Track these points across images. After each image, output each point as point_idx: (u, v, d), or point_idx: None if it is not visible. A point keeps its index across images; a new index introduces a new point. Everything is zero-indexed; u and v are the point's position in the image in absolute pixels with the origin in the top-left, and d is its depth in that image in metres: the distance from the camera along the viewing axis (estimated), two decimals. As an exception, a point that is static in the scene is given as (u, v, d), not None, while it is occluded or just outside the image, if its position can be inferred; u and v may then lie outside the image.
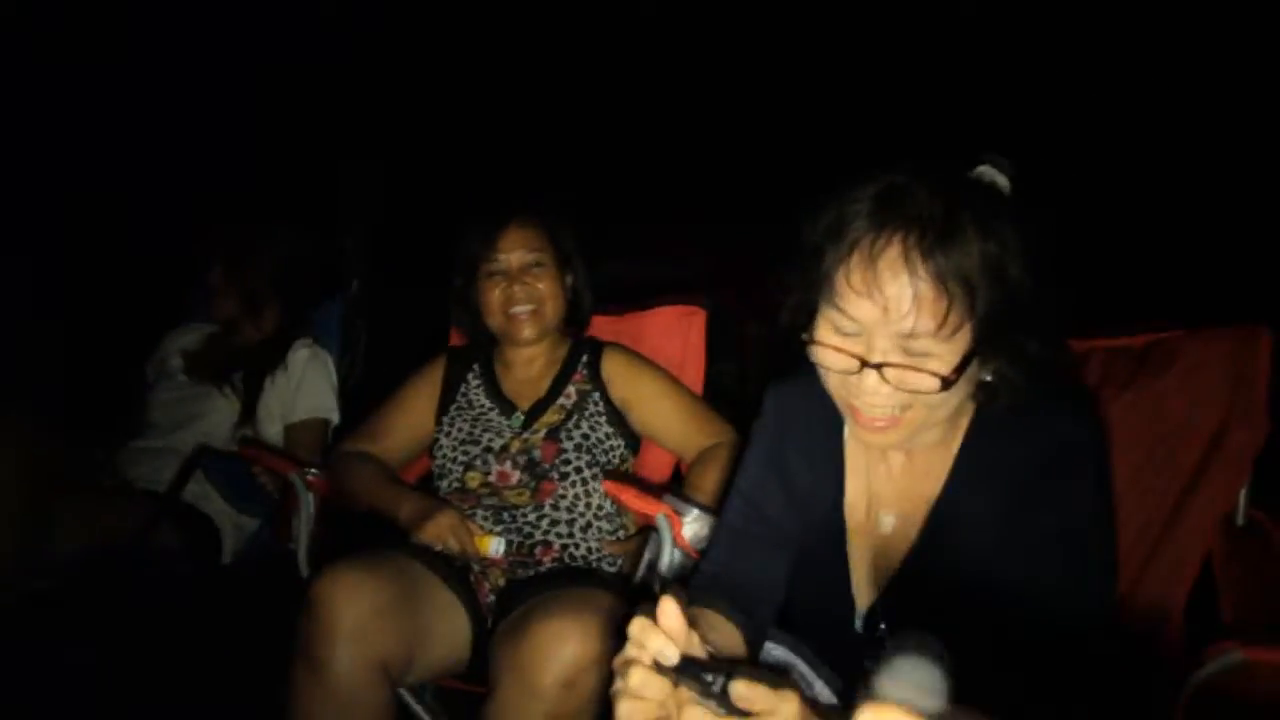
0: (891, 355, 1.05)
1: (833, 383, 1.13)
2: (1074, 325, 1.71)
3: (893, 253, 1.02)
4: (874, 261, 1.03)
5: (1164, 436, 1.62)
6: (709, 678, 0.81)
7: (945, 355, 1.04)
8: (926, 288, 1.01)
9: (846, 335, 1.08)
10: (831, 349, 1.09)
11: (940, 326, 1.02)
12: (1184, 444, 1.59)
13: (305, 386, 2.41)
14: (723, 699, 0.82)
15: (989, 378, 1.11)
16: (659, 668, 0.85)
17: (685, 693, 0.87)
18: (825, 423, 1.28)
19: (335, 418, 2.44)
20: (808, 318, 1.15)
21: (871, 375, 1.05)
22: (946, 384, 1.03)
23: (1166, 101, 3.29)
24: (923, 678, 0.47)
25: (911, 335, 1.03)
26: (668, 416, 2.00)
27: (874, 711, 0.38)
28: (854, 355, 1.06)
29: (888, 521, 1.25)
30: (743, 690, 0.82)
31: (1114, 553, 1.17)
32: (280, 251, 2.54)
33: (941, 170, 1.10)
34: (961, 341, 1.04)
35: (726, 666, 0.82)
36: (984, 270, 1.02)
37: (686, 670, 0.83)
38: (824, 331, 1.11)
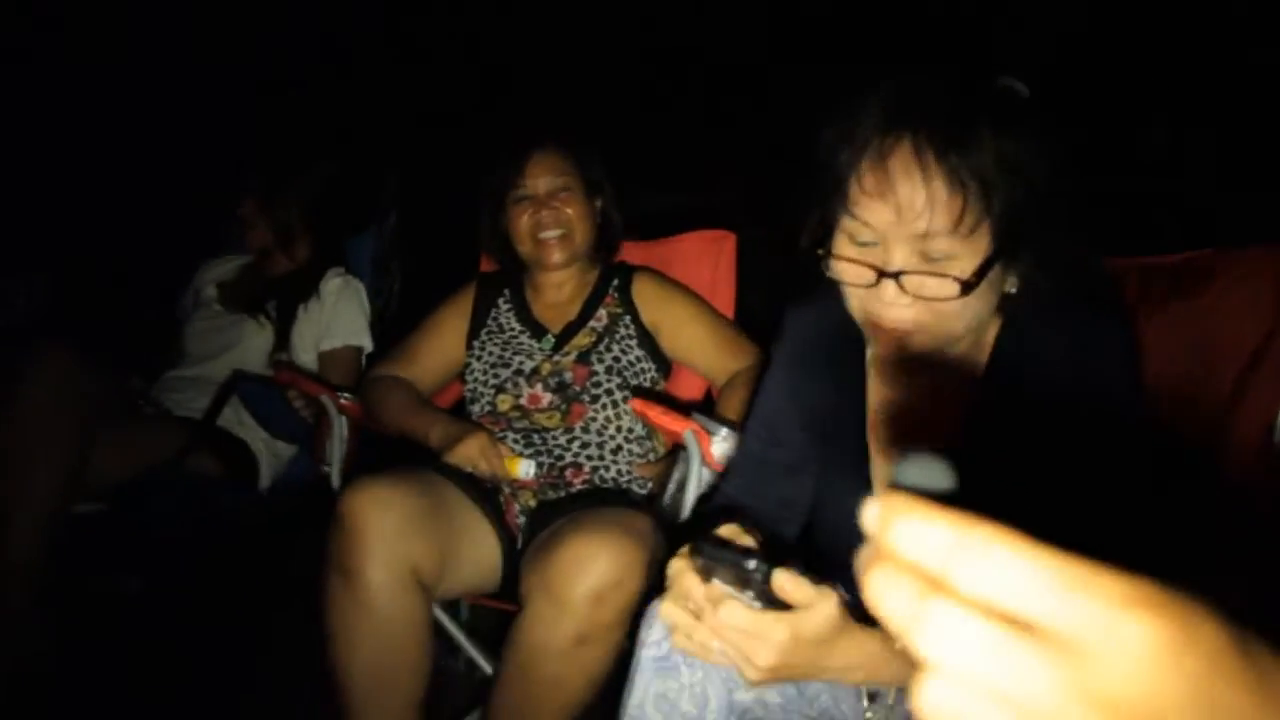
0: (910, 263, 1.01)
1: (854, 300, 1.09)
2: (1106, 247, 1.68)
3: (904, 151, 0.99)
4: (884, 160, 1.00)
5: (1202, 355, 1.57)
6: (750, 564, 0.81)
7: (965, 258, 1.00)
8: (940, 185, 0.97)
9: (863, 246, 1.05)
10: (848, 261, 1.05)
11: (956, 224, 0.97)
12: (1223, 361, 1.55)
13: (338, 315, 2.43)
14: (761, 590, 0.82)
15: (1012, 290, 1.07)
16: (697, 551, 0.85)
17: (720, 589, 0.87)
18: (845, 344, 1.25)
19: (368, 345, 2.46)
20: (826, 235, 1.11)
21: (890, 286, 1.01)
22: (967, 288, 0.99)
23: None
24: (930, 471, 0.47)
25: (927, 236, 0.98)
26: (698, 340, 2.00)
27: (885, 499, 0.37)
28: (871, 266, 1.02)
29: (914, 444, 1.23)
30: (784, 581, 0.82)
31: (1149, 469, 1.14)
32: (313, 184, 2.54)
33: (955, 72, 1.06)
34: (981, 242, 1.00)
35: (767, 558, 0.82)
36: (1000, 167, 0.98)
37: (726, 558, 0.83)
38: (841, 244, 1.07)
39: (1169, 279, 1.67)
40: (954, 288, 0.99)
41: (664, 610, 0.91)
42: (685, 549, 0.90)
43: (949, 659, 0.35)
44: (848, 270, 1.06)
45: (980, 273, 1.00)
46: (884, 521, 0.37)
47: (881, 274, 1.02)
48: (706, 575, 0.87)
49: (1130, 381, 1.10)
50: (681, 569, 0.90)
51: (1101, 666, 0.33)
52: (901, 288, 1.01)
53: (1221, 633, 0.34)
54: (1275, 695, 0.34)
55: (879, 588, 0.36)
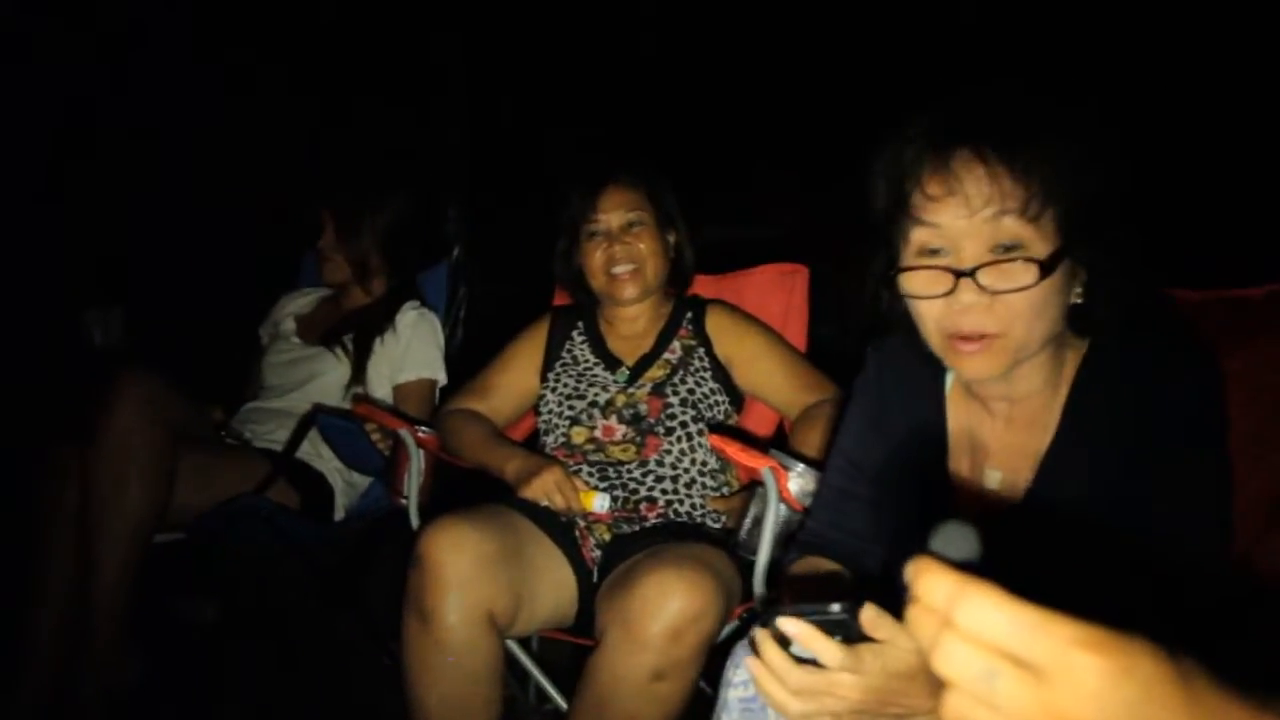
0: (983, 258, 1.03)
1: (929, 321, 1.10)
2: (1185, 278, 1.64)
3: (965, 152, 1.03)
4: (947, 163, 1.04)
5: None
6: (834, 607, 0.83)
7: (1036, 246, 1.02)
8: (1004, 174, 1.01)
9: (934, 255, 1.07)
10: (922, 269, 1.07)
11: (1024, 206, 1.01)
12: None
13: (413, 348, 2.46)
14: (847, 626, 0.83)
15: (1078, 300, 1.08)
16: (782, 611, 0.85)
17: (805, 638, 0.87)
18: (927, 377, 1.26)
19: (442, 378, 2.48)
20: (894, 258, 1.13)
21: (968, 289, 1.03)
22: (1045, 270, 1.01)
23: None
24: (958, 539, 0.62)
25: (997, 221, 1.01)
26: (771, 373, 1.99)
27: (919, 565, 0.51)
28: (945, 268, 1.04)
29: (994, 477, 1.21)
30: (871, 615, 0.82)
31: (1229, 515, 1.12)
32: (387, 218, 2.58)
33: (1014, 83, 1.09)
34: (1049, 231, 1.02)
35: (851, 600, 0.83)
36: (1063, 164, 1.01)
37: (807, 611, 0.84)
38: (909, 260, 1.09)
39: (1254, 314, 1.60)
40: (1030, 273, 1.01)
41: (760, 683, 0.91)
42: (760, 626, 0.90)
43: (956, 678, 0.48)
44: (922, 280, 1.07)
45: (1054, 258, 1.02)
46: (913, 575, 0.51)
47: (958, 274, 1.04)
48: (784, 642, 0.87)
49: (1212, 422, 1.09)
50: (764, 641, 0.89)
51: (1061, 692, 0.45)
52: (979, 285, 1.03)
53: (1157, 667, 0.44)
54: (1204, 717, 0.45)
55: (912, 623, 0.51)
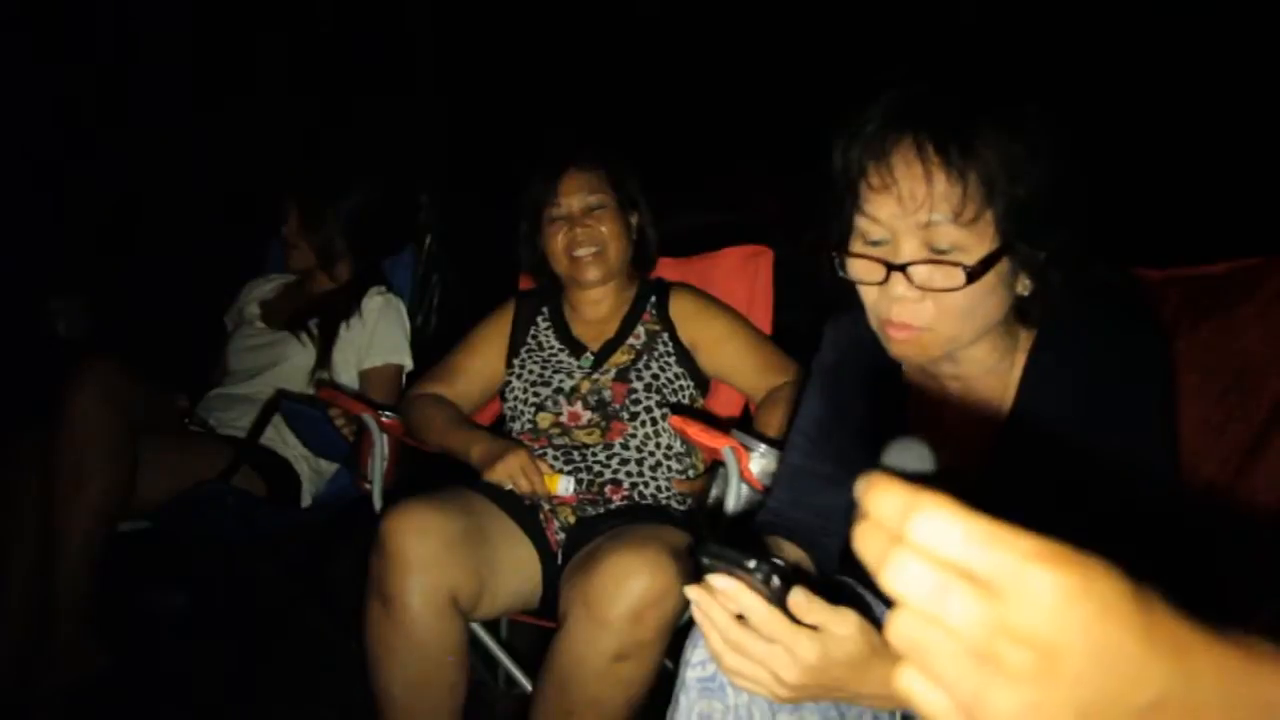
0: (917, 255, 1.05)
1: (868, 301, 1.12)
2: (1149, 256, 1.64)
3: (905, 146, 1.04)
4: (888, 156, 1.05)
5: (1240, 374, 1.46)
6: (751, 563, 0.82)
7: (971, 249, 1.03)
8: (940, 176, 1.02)
9: (875, 245, 1.08)
10: (859, 258, 1.09)
11: (958, 213, 1.02)
12: (1263, 382, 1.48)
13: (379, 333, 2.45)
14: (771, 596, 0.82)
15: (1025, 292, 1.10)
16: (701, 553, 0.86)
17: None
18: (883, 355, 1.27)
19: (408, 364, 2.47)
20: (844, 241, 1.14)
21: (899, 281, 1.05)
22: (971, 276, 1.02)
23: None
24: (911, 455, 0.61)
25: (930, 226, 1.03)
26: (736, 356, 1.99)
27: (869, 480, 0.47)
28: (881, 260, 1.06)
29: (952, 452, 1.23)
30: (800, 599, 0.82)
31: (1179, 492, 1.14)
32: (353, 203, 2.56)
33: (958, 75, 1.11)
34: (986, 235, 1.03)
35: (788, 573, 0.82)
36: (1002, 162, 1.02)
37: (729, 557, 0.83)
38: (855, 246, 1.11)
39: (1213, 291, 1.60)
40: (960, 276, 1.03)
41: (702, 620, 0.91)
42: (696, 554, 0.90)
43: (906, 595, 0.45)
44: (859, 267, 1.10)
45: (985, 263, 1.03)
46: (864, 491, 0.47)
47: (890, 267, 1.05)
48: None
49: (1159, 402, 1.12)
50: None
51: (1016, 607, 0.42)
52: (910, 280, 1.05)
53: (1116, 586, 0.43)
54: (1163, 642, 0.43)
55: (859, 539, 0.47)
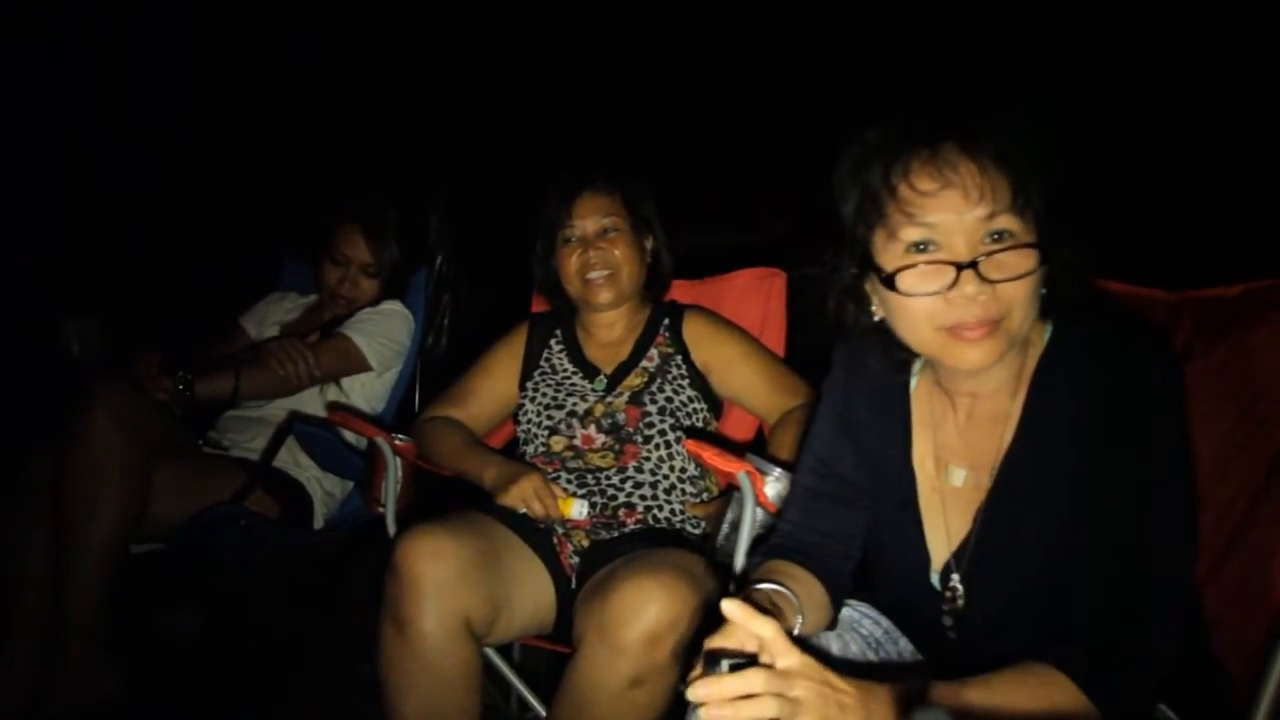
0: (978, 249, 1.04)
1: (923, 313, 1.09)
2: (1162, 278, 1.64)
3: (950, 148, 1.05)
4: (936, 156, 1.05)
5: (1256, 399, 1.43)
6: (725, 665, 0.88)
7: (1023, 235, 1.05)
8: (992, 166, 1.03)
9: (925, 252, 1.07)
10: (915, 268, 1.07)
11: (1014, 198, 1.03)
12: (1277, 403, 1.41)
13: (369, 320, 2.45)
14: None
15: (1043, 290, 1.10)
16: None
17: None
18: (892, 377, 1.28)
19: (377, 368, 2.46)
20: (868, 262, 1.13)
21: (970, 280, 1.03)
22: (1044, 254, 1.04)
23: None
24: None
25: (991, 217, 1.03)
26: (749, 379, 1.99)
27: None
28: (945, 263, 1.05)
29: (958, 475, 1.23)
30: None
31: (1194, 515, 1.12)
32: (406, 226, 2.57)
33: (976, 78, 1.14)
34: (1030, 222, 1.05)
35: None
36: (1034, 151, 1.04)
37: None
38: (900, 256, 1.09)
39: (1228, 314, 1.58)
40: (1032, 258, 1.04)
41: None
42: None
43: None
44: (917, 277, 1.07)
45: (1041, 245, 1.05)
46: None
47: (960, 266, 1.04)
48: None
49: (1172, 424, 1.10)
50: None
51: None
52: (982, 276, 1.03)
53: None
54: None
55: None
